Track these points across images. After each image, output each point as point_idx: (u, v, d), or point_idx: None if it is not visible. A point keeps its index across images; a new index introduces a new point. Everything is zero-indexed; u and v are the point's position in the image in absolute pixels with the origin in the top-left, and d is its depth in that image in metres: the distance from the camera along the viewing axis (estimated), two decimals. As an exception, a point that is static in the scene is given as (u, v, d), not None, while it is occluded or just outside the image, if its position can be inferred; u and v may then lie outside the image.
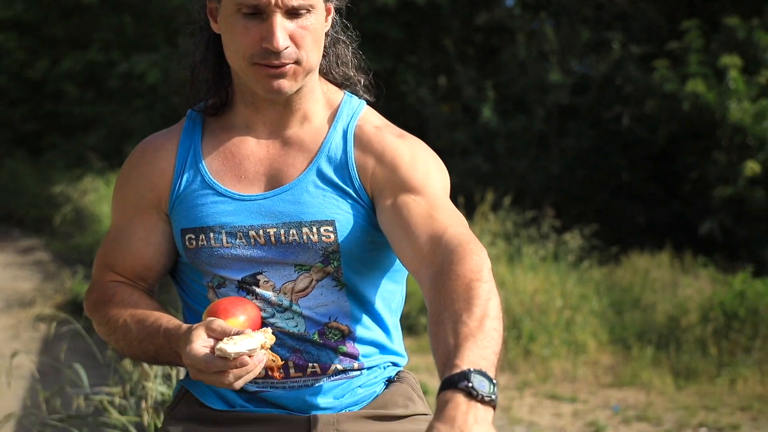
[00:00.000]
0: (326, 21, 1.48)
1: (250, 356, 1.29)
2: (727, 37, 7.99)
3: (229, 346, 1.28)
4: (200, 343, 1.31)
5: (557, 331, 6.12)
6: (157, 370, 2.75)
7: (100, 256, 1.60)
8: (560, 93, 8.87)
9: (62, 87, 13.25)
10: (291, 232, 1.45)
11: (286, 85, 1.43)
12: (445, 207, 1.44)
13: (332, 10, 1.50)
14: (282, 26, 1.39)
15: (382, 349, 1.56)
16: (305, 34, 1.41)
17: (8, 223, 10.71)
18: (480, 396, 1.07)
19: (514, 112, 9.30)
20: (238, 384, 1.31)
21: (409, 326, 6.45)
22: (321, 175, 1.48)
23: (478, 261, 1.29)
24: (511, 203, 7.53)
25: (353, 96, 1.58)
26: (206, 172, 1.51)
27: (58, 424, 2.69)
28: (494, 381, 1.09)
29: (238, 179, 1.50)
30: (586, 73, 9.46)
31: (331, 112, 1.54)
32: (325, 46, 1.50)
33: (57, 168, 11.07)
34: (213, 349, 1.29)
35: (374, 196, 1.48)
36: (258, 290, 1.47)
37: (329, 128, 1.52)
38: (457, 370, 1.09)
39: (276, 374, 1.46)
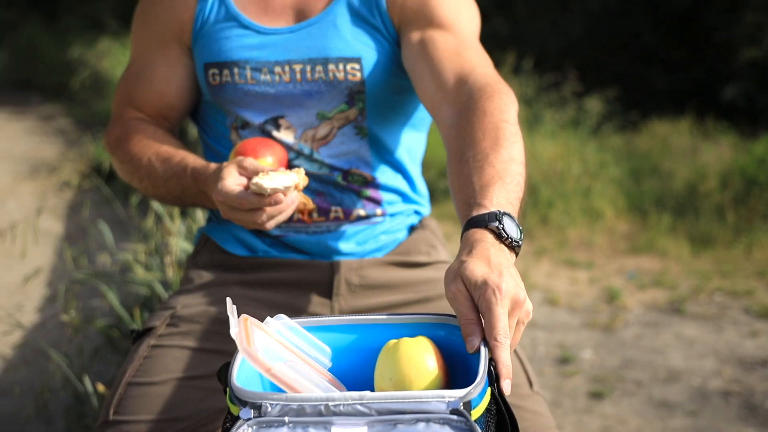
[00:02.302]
0: None
1: (284, 194, 1.24)
2: None
3: (265, 181, 1.22)
4: (233, 180, 1.26)
5: (575, 198, 6.12)
6: (180, 226, 2.79)
7: (121, 91, 1.55)
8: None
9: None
10: (317, 69, 1.42)
11: None
12: (473, 46, 1.40)
13: None
14: None
15: (405, 197, 1.55)
16: None
17: (28, 90, 10.65)
18: (509, 240, 1.04)
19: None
20: (271, 224, 1.28)
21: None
22: (349, 6, 1.43)
23: (506, 101, 1.25)
24: (531, 67, 7.42)
25: None
26: (231, 3, 1.46)
27: (87, 279, 2.74)
28: (521, 228, 1.06)
29: (264, 11, 1.45)
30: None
31: None
32: None
33: (73, 32, 10.87)
34: (247, 186, 1.25)
35: (401, 29, 1.43)
36: (279, 135, 1.44)
37: None
38: (485, 210, 1.06)
39: (305, 217, 1.43)
